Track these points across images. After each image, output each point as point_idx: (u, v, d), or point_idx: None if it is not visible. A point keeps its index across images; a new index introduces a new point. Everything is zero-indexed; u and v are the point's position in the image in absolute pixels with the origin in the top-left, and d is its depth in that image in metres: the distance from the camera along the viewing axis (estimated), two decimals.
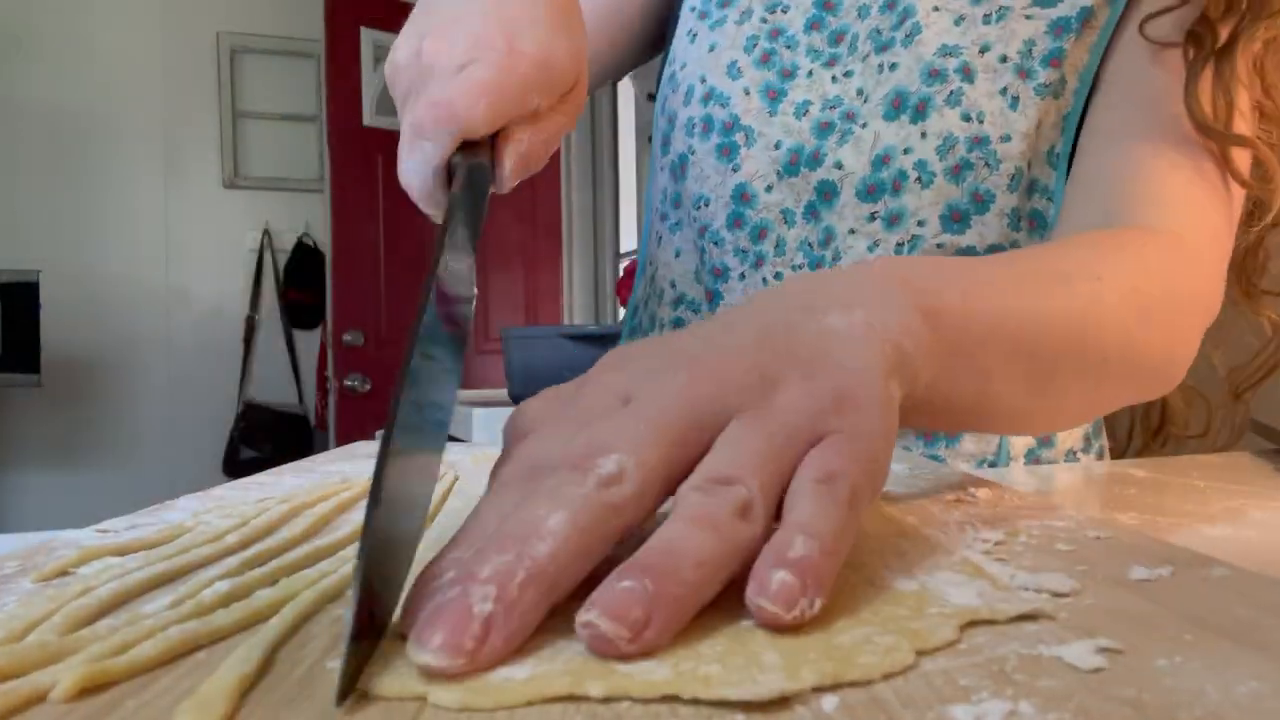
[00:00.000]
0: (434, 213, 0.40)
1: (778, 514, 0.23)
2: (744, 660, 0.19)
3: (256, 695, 0.18)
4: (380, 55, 2.85)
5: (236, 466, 3.16)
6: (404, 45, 0.40)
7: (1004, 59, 0.57)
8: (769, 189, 0.63)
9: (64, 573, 0.28)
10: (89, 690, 0.18)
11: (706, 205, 0.65)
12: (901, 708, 0.17)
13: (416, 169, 0.38)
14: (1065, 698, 0.17)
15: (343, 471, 0.49)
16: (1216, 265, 0.51)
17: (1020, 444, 0.64)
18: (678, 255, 0.69)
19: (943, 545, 0.29)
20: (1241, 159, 0.52)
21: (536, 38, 0.38)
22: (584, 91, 0.42)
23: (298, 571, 0.27)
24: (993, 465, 0.62)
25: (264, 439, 3.26)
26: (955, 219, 0.58)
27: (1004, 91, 0.57)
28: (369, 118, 2.83)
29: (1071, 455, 0.66)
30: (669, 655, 0.19)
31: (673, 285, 0.70)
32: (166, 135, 3.30)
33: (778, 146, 0.62)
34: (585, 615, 0.19)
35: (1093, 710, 0.17)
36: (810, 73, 0.63)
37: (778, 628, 0.20)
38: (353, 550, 0.29)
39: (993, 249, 0.58)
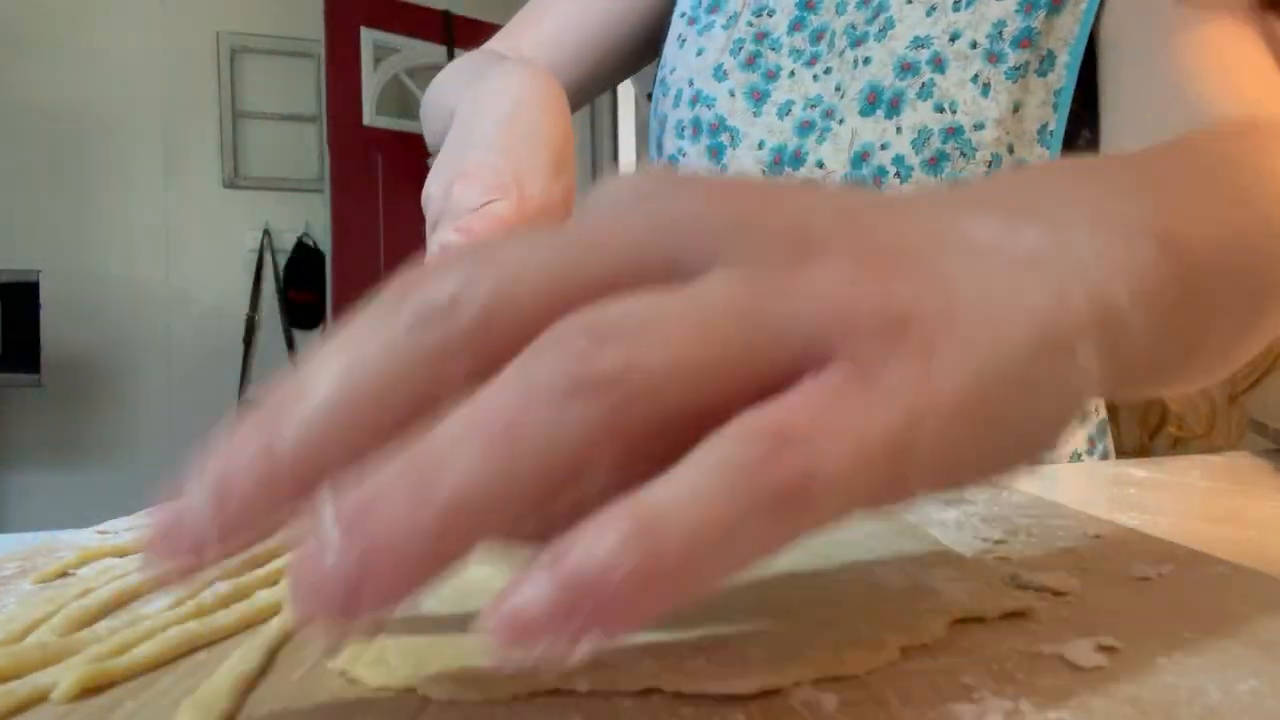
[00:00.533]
0: None
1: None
2: (729, 655, 0.19)
3: (257, 695, 0.18)
4: (380, 55, 2.85)
5: None
6: (436, 181, 0.47)
7: (974, 45, 0.57)
8: None
9: (64, 574, 0.28)
10: (90, 691, 0.18)
11: None
12: (901, 706, 0.17)
13: None
14: (1066, 696, 0.17)
15: None
16: None
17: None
18: None
19: (939, 543, 0.29)
20: None
21: (541, 186, 0.43)
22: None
23: None
24: None
25: None
26: None
27: (975, 79, 0.57)
28: (369, 118, 2.83)
29: (1076, 458, 0.66)
30: (656, 648, 0.19)
31: None
32: (166, 135, 3.30)
33: (761, 146, 0.63)
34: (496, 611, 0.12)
35: (1093, 708, 0.17)
36: (792, 73, 0.64)
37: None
38: None
39: None
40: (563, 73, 0.67)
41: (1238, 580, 0.25)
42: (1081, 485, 0.52)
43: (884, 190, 0.58)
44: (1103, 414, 0.68)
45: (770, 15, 0.66)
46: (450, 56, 3.01)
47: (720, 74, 0.66)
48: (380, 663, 0.19)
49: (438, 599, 0.22)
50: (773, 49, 0.65)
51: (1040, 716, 0.16)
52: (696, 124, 0.66)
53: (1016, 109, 0.57)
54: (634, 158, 3.05)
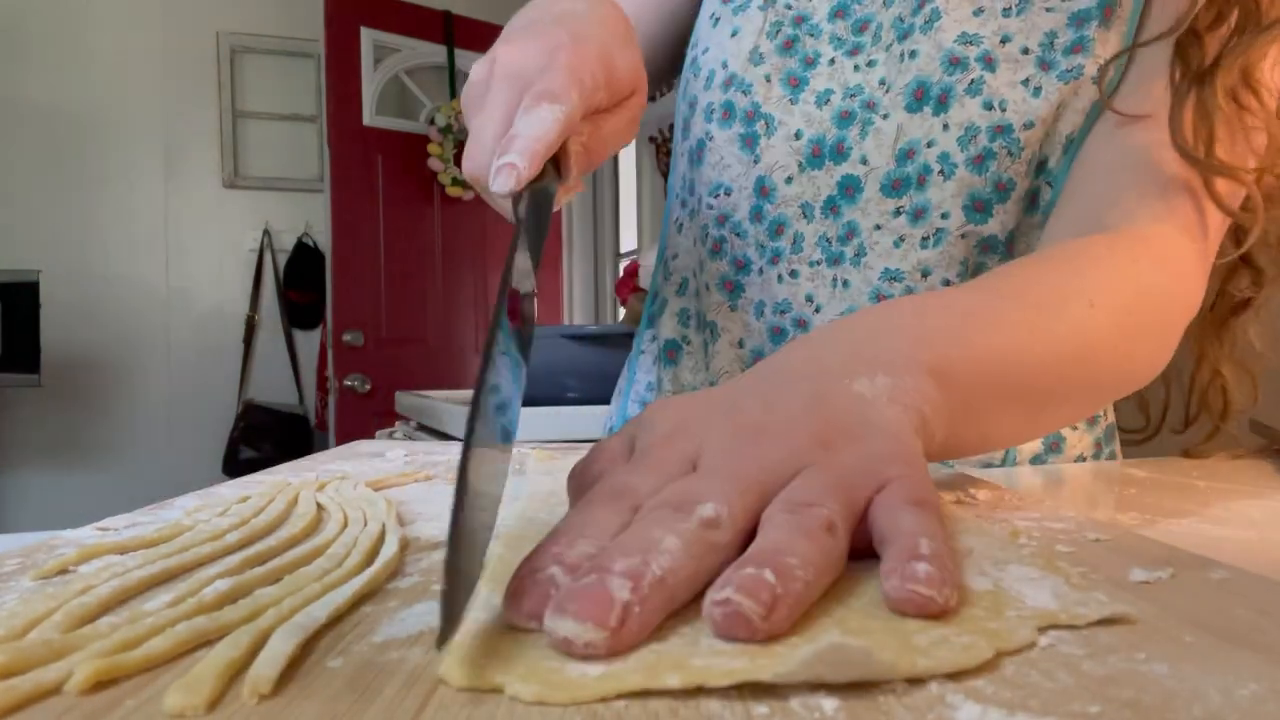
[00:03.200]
0: (505, 203, 0.40)
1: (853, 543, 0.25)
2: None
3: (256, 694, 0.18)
4: (380, 55, 2.85)
5: (236, 466, 3.15)
6: (478, 67, 0.42)
7: (1025, 50, 0.56)
8: (789, 180, 0.62)
9: (64, 570, 0.28)
10: (101, 684, 0.18)
11: (728, 194, 0.65)
12: (902, 708, 0.17)
13: (528, 145, 0.37)
14: (1066, 699, 0.17)
15: (343, 471, 0.49)
16: (1201, 265, 0.51)
17: (1027, 450, 0.63)
18: (694, 243, 0.69)
19: (1003, 538, 0.29)
20: (1225, 185, 0.51)
21: (598, 38, 0.41)
22: (643, 101, 0.45)
23: (298, 569, 0.27)
24: (998, 467, 0.62)
25: (264, 439, 3.26)
26: (978, 209, 0.57)
27: (1026, 82, 0.56)
28: (369, 118, 2.83)
29: (1082, 461, 0.66)
30: (743, 649, 0.19)
31: (693, 272, 0.70)
32: (166, 135, 3.30)
33: (798, 136, 0.62)
34: (720, 594, 0.20)
35: (1092, 712, 0.17)
36: (833, 61, 0.62)
37: (929, 614, 0.21)
38: (346, 549, 0.29)
39: (1012, 236, 0.58)
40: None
41: (1238, 584, 0.25)
42: (1082, 485, 0.52)
43: (920, 191, 0.58)
44: (1110, 418, 0.68)
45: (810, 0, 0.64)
46: (450, 56, 3.00)
47: (757, 57, 0.63)
48: (467, 663, 0.19)
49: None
50: (811, 35, 0.63)
51: (1040, 718, 0.16)
52: (729, 108, 0.64)
53: (1061, 109, 0.56)
54: (634, 158, 3.05)
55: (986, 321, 0.39)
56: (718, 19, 0.67)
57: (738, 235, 0.64)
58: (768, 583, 0.20)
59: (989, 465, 0.62)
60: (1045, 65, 0.56)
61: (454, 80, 3.00)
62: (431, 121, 2.94)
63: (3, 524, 3.02)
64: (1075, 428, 0.64)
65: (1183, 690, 0.17)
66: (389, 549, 0.29)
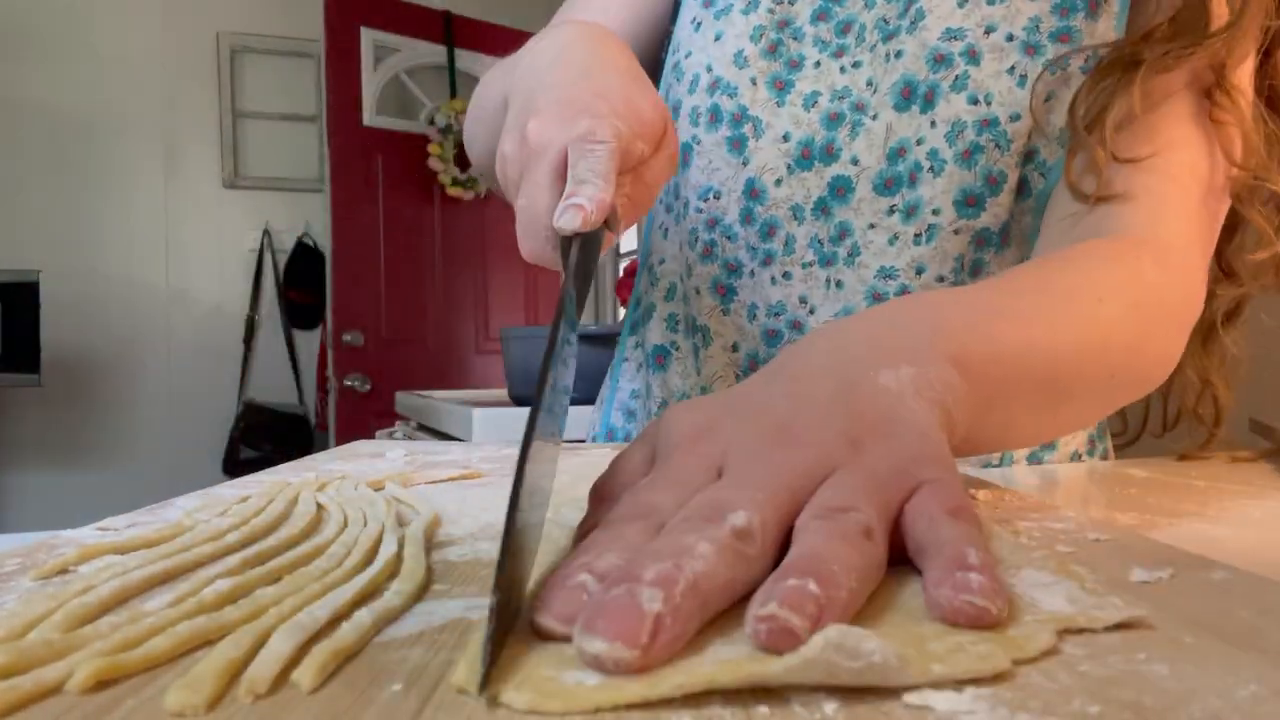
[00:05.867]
0: (555, 259, 0.39)
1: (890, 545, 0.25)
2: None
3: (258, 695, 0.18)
4: (380, 55, 2.85)
5: (236, 466, 3.16)
6: (507, 139, 0.41)
7: (1010, 38, 0.56)
8: (778, 183, 0.62)
9: (64, 570, 0.28)
10: (102, 684, 0.18)
11: (717, 198, 0.65)
12: (902, 708, 0.17)
13: (593, 194, 0.36)
14: (1065, 700, 0.17)
15: (343, 471, 0.49)
16: (1202, 263, 0.52)
17: (1022, 449, 0.63)
18: (680, 248, 0.69)
19: (1013, 542, 0.29)
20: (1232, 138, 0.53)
21: (620, 89, 0.40)
22: (674, 135, 0.44)
23: (298, 569, 0.27)
24: (994, 466, 0.62)
25: (264, 439, 3.26)
26: (970, 203, 0.57)
27: (1011, 70, 0.56)
28: (369, 118, 2.83)
29: (1076, 458, 0.66)
30: (752, 660, 0.19)
31: (680, 277, 0.70)
32: (166, 135, 3.30)
33: (786, 139, 0.62)
34: (764, 609, 0.19)
35: (1092, 713, 0.17)
36: (818, 63, 0.62)
37: (983, 625, 0.21)
38: (344, 549, 0.29)
39: (1006, 228, 0.58)
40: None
41: (1238, 584, 0.25)
42: (1082, 485, 0.53)
43: (912, 188, 0.58)
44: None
45: (792, 3, 0.64)
46: (450, 56, 3.00)
47: (742, 61, 0.63)
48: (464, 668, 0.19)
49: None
50: (795, 38, 0.63)
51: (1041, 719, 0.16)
52: (715, 112, 0.64)
53: (1049, 99, 0.56)
54: None
55: (1004, 315, 0.39)
56: (699, 23, 0.67)
57: (728, 239, 0.64)
58: (812, 594, 0.20)
59: (987, 465, 0.62)
60: (1031, 50, 0.56)
61: (454, 80, 3.00)
62: (431, 121, 2.94)
63: (3, 524, 3.01)
64: None
65: (1183, 691, 0.17)
66: (388, 548, 0.29)
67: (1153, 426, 0.64)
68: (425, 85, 2.97)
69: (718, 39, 0.65)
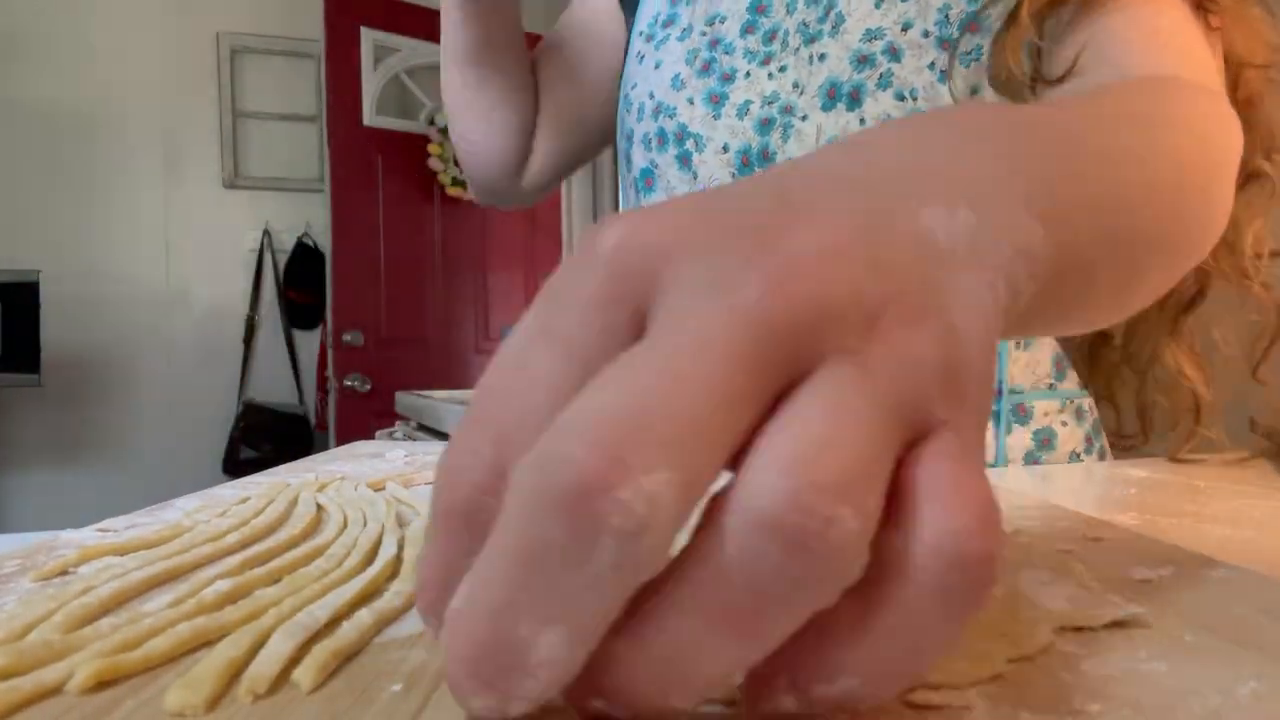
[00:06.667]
0: None
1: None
2: None
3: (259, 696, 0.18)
4: (380, 55, 2.85)
5: (236, 466, 3.15)
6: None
7: (925, 34, 0.58)
8: None
9: (64, 572, 0.28)
10: (102, 684, 0.18)
11: None
12: (904, 705, 0.17)
13: None
14: (1065, 699, 0.17)
15: (343, 471, 0.49)
16: (1237, 118, 0.44)
17: (1018, 447, 0.63)
18: None
19: (1013, 542, 0.29)
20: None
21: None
22: None
23: (297, 570, 0.27)
24: (990, 467, 0.62)
25: (264, 439, 3.26)
26: None
27: (932, 66, 0.58)
28: (369, 118, 2.83)
29: (1075, 457, 0.66)
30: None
31: None
32: (166, 135, 3.30)
33: (726, 149, 0.64)
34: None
35: (1093, 711, 0.17)
36: (748, 74, 0.65)
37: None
38: (343, 550, 0.29)
39: None
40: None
41: (1238, 583, 0.25)
42: (1083, 485, 0.53)
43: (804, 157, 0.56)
44: (1096, 413, 0.68)
45: (722, 22, 0.67)
46: None
47: (678, 83, 0.67)
48: None
49: None
50: (726, 53, 0.66)
51: (1041, 717, 0.16)
52: (662, 135, 0.68)
53: (974, 93, 0.57)
54: None
55: (1090, 146, 0.29)
56: (643, 56, 0.71)
57: None
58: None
59: (986, 465, 0.62)
60: (946, 44, 0.57)
61: None
62: (431, 121, 2.94)
63: (3, 524, 3.02)
64: (1065, 423, 0.65)
65: (1183, 688, 0.17)
66: (388, 549, 0.29)
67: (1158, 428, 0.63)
68: (425, 85, 2.97)
69: (657, 67, 0.69)
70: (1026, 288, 0.21)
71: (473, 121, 0.77)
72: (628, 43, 0.75)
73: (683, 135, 0.66)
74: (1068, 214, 0.24)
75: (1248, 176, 0.51)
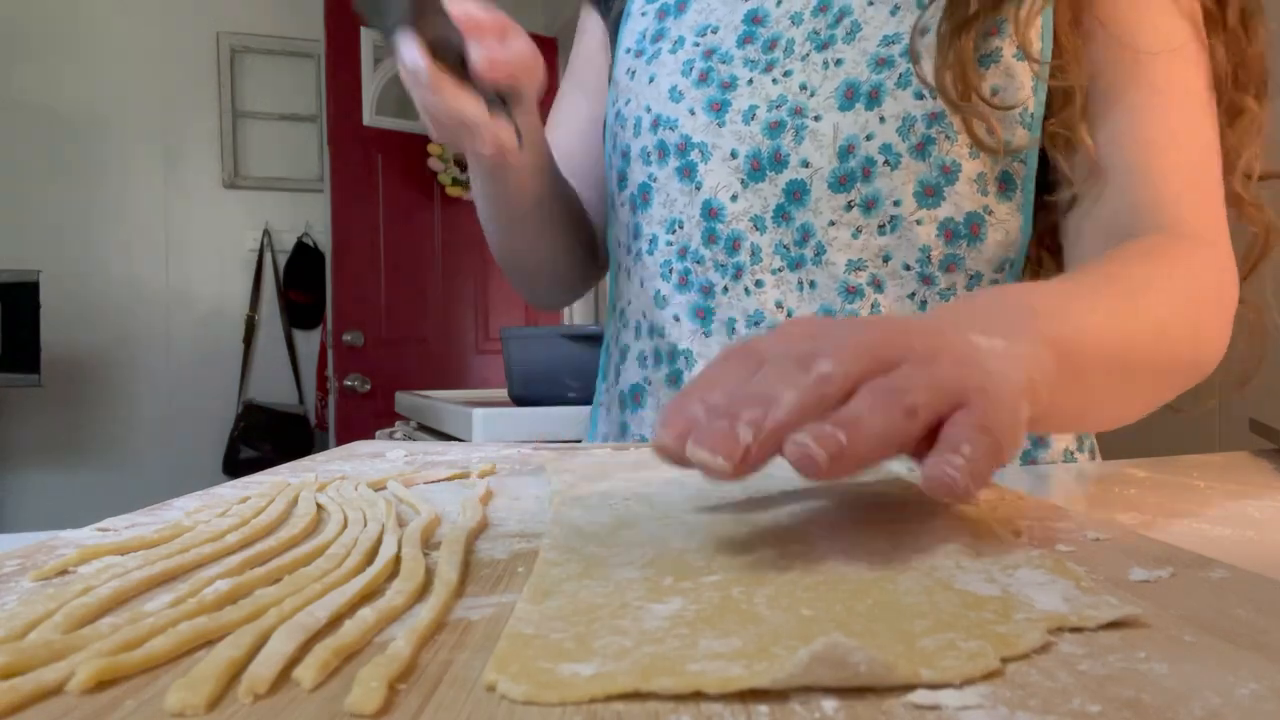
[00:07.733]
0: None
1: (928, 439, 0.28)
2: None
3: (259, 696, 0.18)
4: (380, 55, 2.85)
5: (236, 466, 3.16)
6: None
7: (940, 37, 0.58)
8: (734, 198, 0.64)
9: (64, 571, 0.28)
10: (103, 684, 0.18)
11: (681, 228, 0.66)
12: (902, 708, 0.17)
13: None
14: (1065, 698, 0.17)
15: (343, 471, 0.49)
16: (1231, 258, 0.56)
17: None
18: (641, 285, 0.70)
19: (1015, 542, 0.29)
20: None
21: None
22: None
23: (298, 570, 0.27)
24: None
25: (264, 439, 3.26)
26: (929, 193, 0.59)
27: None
28: (369, 118, 2.83)
29: (1069, 455, 0.66)
30: (741, 656, 0.19)
31: (643, 315, 0.71)
32: (166, 135, 3.30)
33: (734, 155, 0.64)
34: (800, 437, 0.26)
35: (1092, 712, 0.17)
36: (750, 80, 0.64)
37: (954, 495, 0.26)
38: (344, 549, 0.29)
39: (970, 217, 0.59)
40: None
41: (1237, 583, 0.25)
42: (1082, 486, 0.53)
43: (867, 182, 0.61)
44: None
45: (715, 33, 0.67)
46: None
47: (676, 95, 0.66)
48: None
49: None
50: (724, 62, 0.66)
51: (1040, 718, 0.16)
52: (662, 147, 0.67)
53: (995, 94, 0.57)
54: None
55: (1085, 305, 0.43)
56: (634, 72, 0.70)
57: (698, 263, 0.66)
58: (839, 441, 0.25)
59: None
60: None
61: None
62: None
63: (3, 524, 3.02)
64: None
65: (1183, 690, 0.17)
66: (388, 549, 0.29)
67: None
68: None
69: (651, 81, 0.68)
70: (1043, 390, 0.33)
71: (535, 271, 0.78)
72: (613, 62, 0.74)
73: (686, 146, 0.65)
74: (1072, 349, 0.37)
75: (1239, 112, 0.59)
